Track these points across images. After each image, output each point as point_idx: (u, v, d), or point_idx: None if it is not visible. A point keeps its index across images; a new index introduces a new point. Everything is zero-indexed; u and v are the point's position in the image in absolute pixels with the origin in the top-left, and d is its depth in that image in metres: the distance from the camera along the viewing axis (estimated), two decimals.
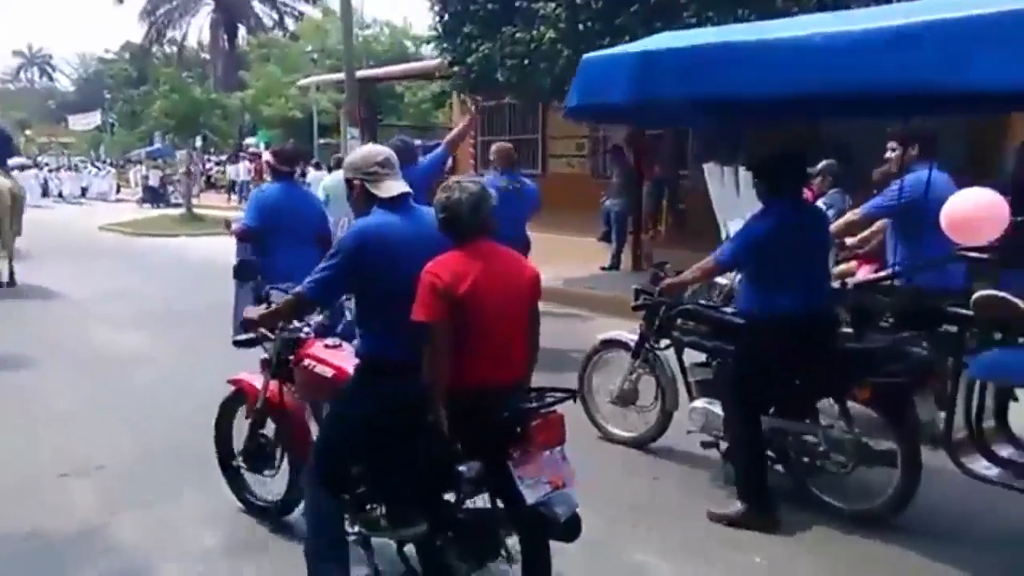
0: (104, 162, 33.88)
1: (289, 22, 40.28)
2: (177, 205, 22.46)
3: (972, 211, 3.31)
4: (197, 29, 41.52)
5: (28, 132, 43.53)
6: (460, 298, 2.32)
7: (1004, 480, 3.06)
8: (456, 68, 10.54)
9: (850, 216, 4.29)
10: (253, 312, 2.89)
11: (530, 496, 2.31)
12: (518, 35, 9.23)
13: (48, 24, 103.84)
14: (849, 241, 4.37)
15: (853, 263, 4.66)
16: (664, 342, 3.92)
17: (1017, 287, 3.01)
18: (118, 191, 29.33)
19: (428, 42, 12.34)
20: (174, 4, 40.11)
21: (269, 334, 3.06)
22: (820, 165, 5.35)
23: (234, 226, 4.73)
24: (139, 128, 36.25)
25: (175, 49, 43.34)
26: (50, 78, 65.45)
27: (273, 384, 3.10)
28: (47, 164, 34.18)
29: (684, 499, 3.56)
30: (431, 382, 2.36)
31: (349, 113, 12.38)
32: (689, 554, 3.11)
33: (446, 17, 10.56)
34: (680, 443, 3.94)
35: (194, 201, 20.82)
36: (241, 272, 3.61)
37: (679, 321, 3.80)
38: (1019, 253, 3.21)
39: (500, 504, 2.45)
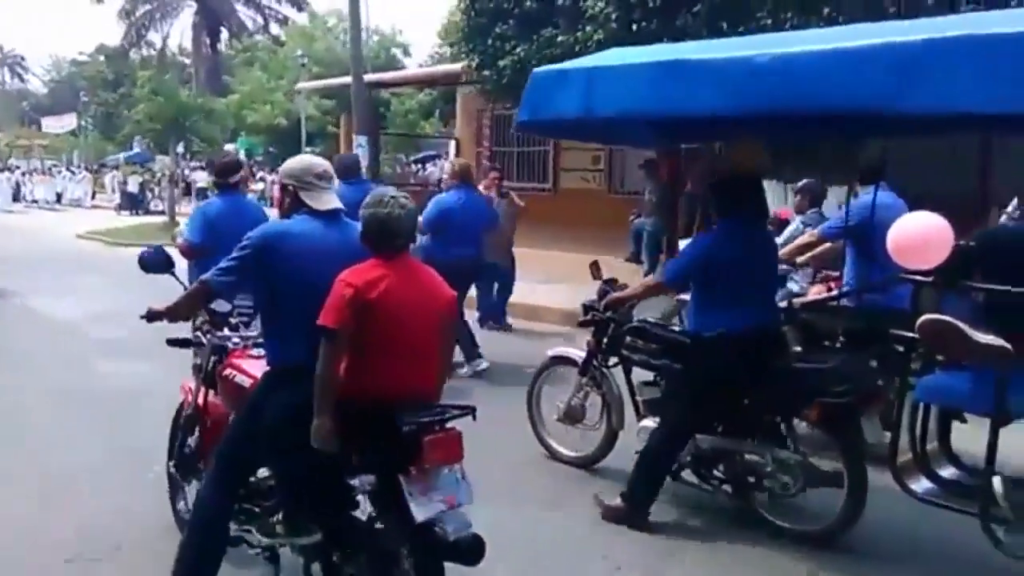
0: (79, 167, 33.54)
1: (273, 27, 40.28)
2: (158, 212, 22.17)
3: (917, 235, 3.36)
4: (178, 32, 41.33)
5: None
6: (369, 303, 2.36)
7: (947, 501, 3.11)
8: (485, 72, 9.92)
9: (805, 238, 4.40)
10: (161, 304, 2.85)
11: (419, 514, 2.29)
12: (559, 37, 8.62)
13: (19, 25, 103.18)
14: (799, 260, 4.45)
15: (818, 286, 4.69)
16: (612, 360, 3.94)
17: (957, 310, 3.07)
18: (93, 197, 29.06)
19: (452, 44, 11.87)
20: (154, 5, 39.96)
21: (203, 339, 3.08)
22: (800, 184, 5.37)
23: (178, 240, 4.70)
24: (120, 132, 36.05)
25: (154, 52, 43.20)
26: (21, 80, 64.81)
27: (202, 391, 3.12)
28: (18, 167, 33.77)
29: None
30: (321, 387, 2.37)
31: (359, 120, 12.06)
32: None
33: (473, 15, 9.95)
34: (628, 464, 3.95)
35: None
36: (151, 264, 3.35)
37: (628, 339, 3.82)
38: (958, 277, 3.26)
39: (395, 527, 2.43)
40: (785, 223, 5.41)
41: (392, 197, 2.51)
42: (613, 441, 4.00)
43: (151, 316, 2.83)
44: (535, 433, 4.26)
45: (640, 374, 3.89)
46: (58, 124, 41.16)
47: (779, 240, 4.89)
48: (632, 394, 3.88)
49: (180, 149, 27.85)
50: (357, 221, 2.58)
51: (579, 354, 4.05)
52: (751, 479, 3.49)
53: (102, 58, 47.37)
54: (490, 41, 9.63)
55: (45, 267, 11.33)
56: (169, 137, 25.37)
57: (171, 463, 3.33)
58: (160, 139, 27.27)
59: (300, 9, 38.57)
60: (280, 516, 2.72)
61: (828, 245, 4.31)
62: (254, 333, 3.10)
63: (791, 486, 3.39)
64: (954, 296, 3.26)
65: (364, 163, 11.09)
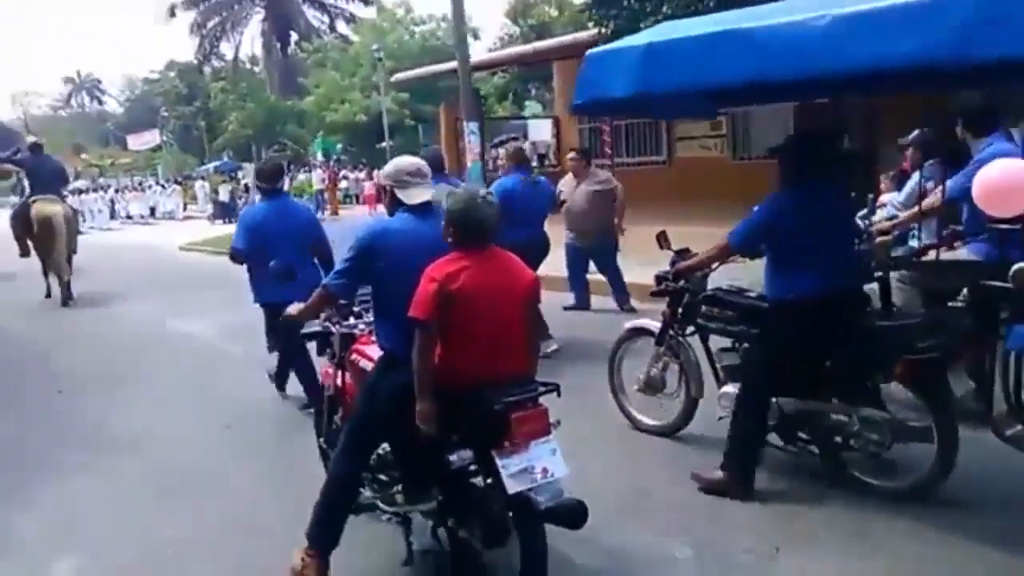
0: (168, 180, 35.20)
1: (340, 25, 41.38)
2: None
3: (1003, 182, 3.33)
4: (248, 40, 43.07)
5: (84, 155, 45.80)
6: (453, 294, 2.60)
7: None
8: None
9: (931, 200, 4.14)
10: (293, 308, 3.35)
11: (511, 486, 2.54)
12: None
13: (92, 49, 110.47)
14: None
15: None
16: (689, 329, 4.08)
17: None
18: (185, 208, 30.45)
19: (581, 11, 11.42)
20: (224, 16, 41.71)
21: (332, 329, 3.51)
22: (911, 136, 5.12)
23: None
24: (205, 143, 37.88)
25: (226, 62, 44.73)
26: (99, 102, 69.25)
27: (340, 375, 3.53)
28: (110, 185, 35.60)
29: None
30: (418, 375, 2.66)
31: (467, 107, 11.86)
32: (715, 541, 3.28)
33: None
34: (712, 431, 4.08)
35: None
36: (277, 274, 4.08)
37: (703, 307, 3.95)
38: None
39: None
40: (906, 176, 5.11)
41: (479, 195, 2.76)
42: (693, 409, 4.15)
43: (286, 320, 3.33)
44: (617, 404, 4.45)
45: (718, 341, 4.02)
46: (141, 141, 43.82)
47: (900, 198, 4.79)
48: (711, 361, 4.01)
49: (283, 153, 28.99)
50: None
51: (656, 325, 4.20)
52: (838, 439, 3.56)
53: (172, 74, 49.97)
54: (626, 3, 9.45)
55: (163, 283, 11.69)
56: (260, 142, 26.55)
57: (321, 439, 3.81)
58: (253, 144, 28.50)
59: (367, 3, 39.38)
60: (399, 487, 3.09)
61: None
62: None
63: (879, 444, 3.45)
64: None
65: (476, 150, 11.11)
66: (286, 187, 7.13)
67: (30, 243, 10.07)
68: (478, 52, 29.60)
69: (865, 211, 4.75)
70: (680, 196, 10.34)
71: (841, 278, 3.53)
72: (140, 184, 36.13)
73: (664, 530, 3.35)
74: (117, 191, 33.94)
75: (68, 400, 5.87)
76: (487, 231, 2.73)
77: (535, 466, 2.58)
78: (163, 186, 32.94)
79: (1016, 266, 3.14)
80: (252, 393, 5.58)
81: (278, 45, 40.47)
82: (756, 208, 3.69)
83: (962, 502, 3.34)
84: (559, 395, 2.73)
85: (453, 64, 13.36)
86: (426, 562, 3.09)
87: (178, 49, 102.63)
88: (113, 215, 29.65)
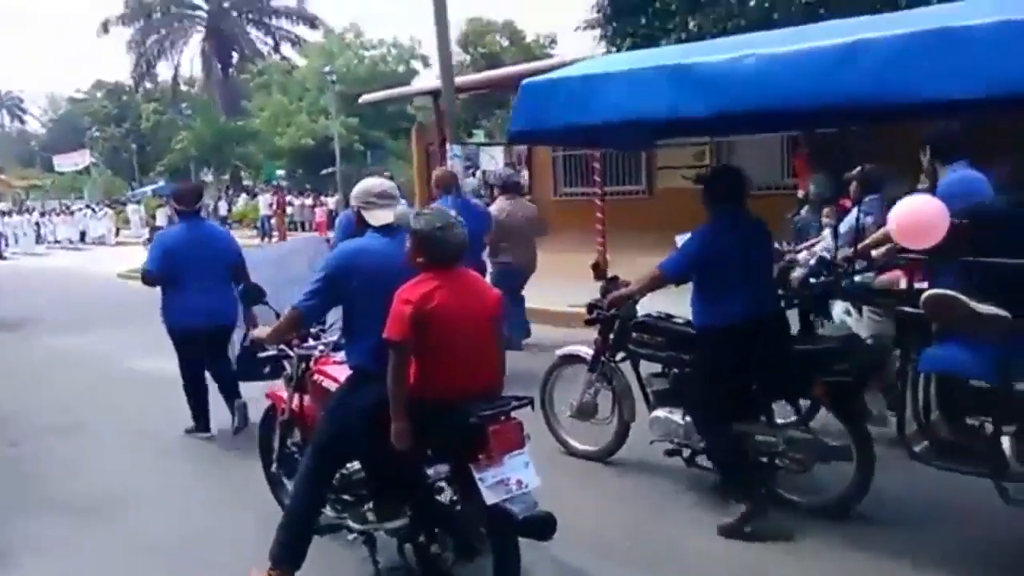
0: (99, 203, 34.36)
1: (285, 47, 41.24)
2: None
3: (919, 217, 3.62)
4: (187, 60, 42.48)
5: (2, 177, 44.31)
6: (427, 315, 2.73)
7: (955, 465, 3.37)
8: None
9: (880, 234, 4.30)
10: (260, 331, 3.46)
11: (490, 497, 2.67)
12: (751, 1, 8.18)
13: (11, 66, 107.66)
14: (875, 253, 4.40)
15: (897, 272, 4.73)
16: (620, 355, 4.28)
17: (950, 285, 3.34)
18: (117, 234, 29.75)
19: (594, 26, 10.93)
20: (163, 34, 41.06)
21: (289, 351, 3.59)
22: (853, 172, 5.36)
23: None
24: (160, 161, 36.55)
25: (159, 84, 43.85)
26: (21, 121, 67.27)
27: (296, 397, 3.62)
28: (34, 208, 34.68)
29: (655, 508, 3.91)
30: (393, 395, 2.77)
31: (452, 129, 11.73)
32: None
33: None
34: (643, 454, 4.28)
35: None
36: (247, 297, 4.12)
37: (634, 334, 4.16)
38: (951, 251, 3.52)
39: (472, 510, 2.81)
40: (845, 212, 5.39)
41: (454, 219, 2.89)
42: (626, 433, 4.34)
43: (256, 342, 3.43)
44: (551, 430, 4.60)
45: (647, 367, 4.23)
46: (70, 161, 42.47)
47: (842, 229, 5.01)
48: (642, 386, 4.21)
49: (220, 178, 28.23)
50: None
51: (586, 352, 4.39)
52: (764, 459, 3.78)
53: (100, 94, 49.28)
54: (644, 20, 9.22)
55: (103, 311, 11.14)
56: (208, 164, 25.86)
57: (272, 466, 3.89)
58: (201, 166, 27.71)
59: (314, 27, 39.42)
60: (370, 504, 3.17)
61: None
62: (333, 338, 3.63)
63: (803, 462, 3.68)
64: (943, 270, 3.53)
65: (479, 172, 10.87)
66: (225, 212, 7.15)
67: None
68: (428, 79, 29.97)
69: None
70: (663, 227, 10.30)
71: (764, 304, 3.78)
72: (67, 207, 35.17)
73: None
74: (43, 214, 33.02)
75: (24, 454, 5.32)
76: (456, 253, 2.86)
77: (510, 478, 2.72)
78: (93, 209, 32.13)
79: (926, 293, 3.42)
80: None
81: (219, 66, 40.00)
82: (687, 238, 3.93)
83: (878, 518, 3.59)
84: (532, 408, 2.92)
85: (429, 85, 13.33)
86: None
87: (106, 69, 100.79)
88: (39, 239, 28.90)
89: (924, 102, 2.95)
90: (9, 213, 29.66)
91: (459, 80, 15.40)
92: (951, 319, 3.35)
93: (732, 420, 3.81)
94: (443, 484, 2.98)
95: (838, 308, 4.30)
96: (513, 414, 2.81)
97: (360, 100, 19.72)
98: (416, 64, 32.59)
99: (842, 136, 4.96)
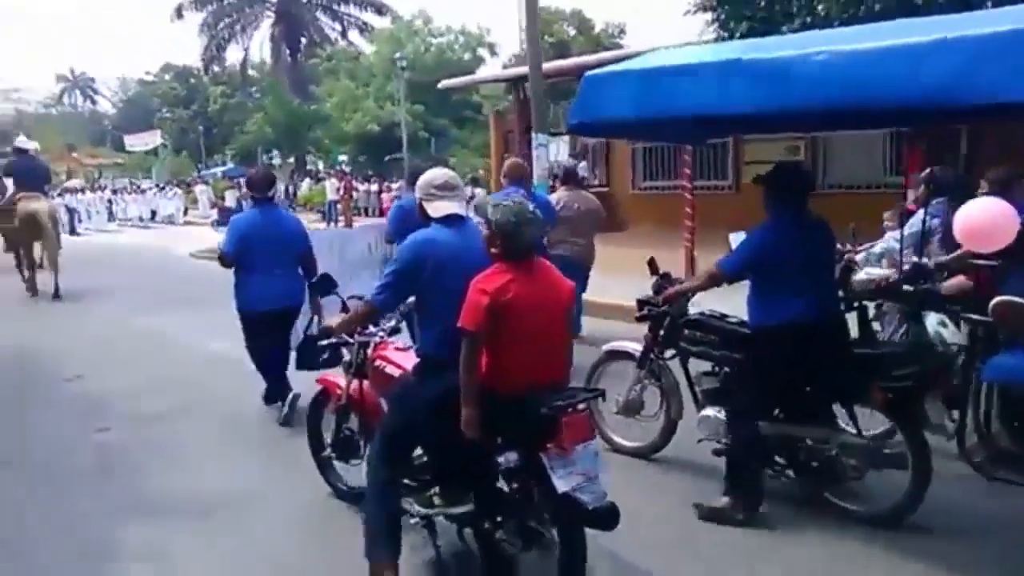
0: (167, 183, 35.44)
1: (352, 34, 42.00)
2: None
3: (985, 220, 3.57)
4: (256, 45, 43.67)
5: (74, 155, 45.82)
6: (503, 306, 2.80)
7: (1015, 477, 3.34)
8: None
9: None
10: (332, 321, 3.58)
11: (561, 485, 2.76)
12: None
13: (85, 49, 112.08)
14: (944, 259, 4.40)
15: (962, 277, 4.64)
16: (669, 352, 4.31)
17: (1019, 291, 3.29)
18: (186, 213, 30.54)
19: (706, 9, 10.29)
20: (235, 17, 42.07)
21: (348, 338, 3.70)
22: (922, 174, 5.31)
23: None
24: (226, 145, 37.82)
25: (229, 66, 45.00)
26: (92, 102, 69.91)
27: (354, 383, 3.75)
28: (106, 186, 36.22)
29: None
30: (464, 384, 2.85)
31: (539, 116, 11.15)
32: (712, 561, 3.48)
33: None
34: (689, 453, 4.32)
35: None
36: (321, 288, 4.28)
37: (685, 331, 4.19)
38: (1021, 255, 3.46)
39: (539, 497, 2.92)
40: (910, 215, 5.18)
41: (527, 209, 2.93)
42: (673, 430, 4.37)
43: (327, 331, 3.55)
44: (595, 426, 4.65)
45: (697, 365, 4.25)
46: (140, 141, 44.34)
47: (907, 232, 4.84)
48: (691, 384, 4.24)
49: (276, 161, 28.61)
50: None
51: (636, 348, 4.43)
52: (815, 463, 3.77)
53: (168, 76, 50.95)
54: (763, 3, 8.78)
55: (181, 293, 11.01)
56: (280, 148, 26.26)
57: (324, 451, 4.05)
58: (272, 149, 27.85)
59: (381, 14, 39.95)
60: (436, 489, 3.28)
61: None
62: (391, 323, 3.78)
63: (855, 469, 3.68)
64: (1017, 277, 3.46)
65: (545, 166, 10.65)
66: (291, 196, 7.46)
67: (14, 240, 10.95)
68: (494, 68, 30.14)
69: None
70: (748, 223, 9.95)
71: (822, 305, 3.76)
72: (138, 187, 36.53)
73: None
74: (115, 192, 34.31)
75: (116, 441, 5.16)
76: (533, 245, 2.94)
77: (580, 468, 2.81)
78: (162, 188, 33.09)
79: (995, 300, 3.37)
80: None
81: (287, 51, 40.96)
82: (746, 237, 3.94)
83: (933, 529, 3.56)
84: (604, 399, 3.09)
85: (523, 69, 13.25)
86: (456, 564, 3.33)
87: (175, 52, 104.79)
88: (111, 217, 30.01)
89: (999, 104, 2.92)
90: (82, 190, 30.71)
91: (549, 66, 14.82)
92: (1019, 327, 3.31)
93: (782, 422, 3.83)
94: (511, 472, 3.02)
95: (932, 319, 4.15)
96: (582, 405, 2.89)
97: (440, 85, 19.80)
98: (483, 52, 32.81)
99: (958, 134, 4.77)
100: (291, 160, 35.79)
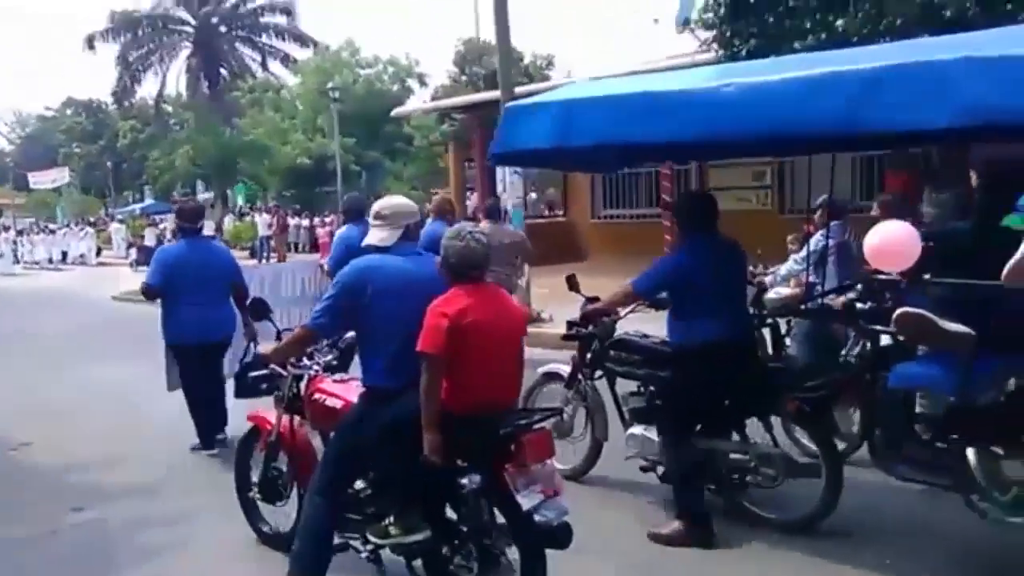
0: (76, 222, 34.49)
1: (273, 65, 41.74)
2: None
3: (894, 242, 3.93)
4: (174, 77, 42.66)
5: None
6: (462, 329, 2.92)
7: (924, 478, 3.66)
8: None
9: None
10: (266, 348, 3.62)
11: (525, 503, 2.89)
12: None
13: None
14: None
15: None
16: (597, 373, 4.56)
17: (916, 305, 3.64)
18: (99, 254, 29.83)
19: (709, 26, 9.76)
20: (150, 48, 41.06)
21: (282, 371, 3.73)
22: (818, 200, 5.80)
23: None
24: (160, 176, 36.54)
25: (139, 100, 43.97)
26: None
27: (285, 419, 3.76)
28: (9, 227, 34.93)
29: (631, 525, 4.13)
30: (426, 408, 2.94)
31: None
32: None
33: None
34: (619, 472, 4.53)
35: None
36: (254, 311, 4.30)
37: (611, 352, 4.44)
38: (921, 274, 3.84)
39: (498, 517, 3.04)
40: (808, 237, 5.69)
41: (469, 232, 3.12)
42: (598, 452, 4.59)
43: (262, 360, 3.60)
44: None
45: (624, 385, 4.49)
46: (47, 178, 42.42)
47: (802, 254, 5.34)
48: (617, 404, 4.48)
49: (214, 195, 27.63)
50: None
51: (566, 369, 4.66)
52: (735, 476, 4.04)
53: (69, 111, 49.65)
54: (772, 19, 8.42)
55: (118, 340, 10.54)
56: (210, 180, 25.41)
57: (250, 491, 3.99)
58: (199, 182, 26.91)
59: (304, 44, 39.70)
60: (391, 519, 3.28)
61: None
62: (328, 357, 3.78)
63: (773, 479, 3.96)
64: (914, 292, 3.84)
65: (518, 195, 10.76)
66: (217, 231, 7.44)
67: None
68: (423, 98, 30.41)
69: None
70: None
71: (737, 324, 4.07)
72: (46, 226, 35.49)
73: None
74: (20, 232, 33.22)
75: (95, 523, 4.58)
76: (479, 264, 3.08)
77: (541, 485, 2.96)
78: (72, 228, 32.20)
79: (898, 311, 3.71)
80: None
81: (206, 83, 40.43)
82: (660, 259, 4.23)
83: (847, 533, 3.85)
84: (562, 419, 3.27)
85: (492, 94, 13.05)
86: None
87: (73, 85, 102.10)
88: (16, 259, 29.03)
89: (888, 132, 3.29)
90: None
91: (522, 90, 15.25)
92: (921, 336, 3.65)
93: (704, 437, 4.09)
94: (474, 494, 3.03)
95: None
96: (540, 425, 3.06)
97: (392, 113, 19.44)
98: (412, 83, 33.08)
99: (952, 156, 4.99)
100: (210, 195, 35.27)
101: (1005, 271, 3.19)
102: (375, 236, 3.30)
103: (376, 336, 3.19)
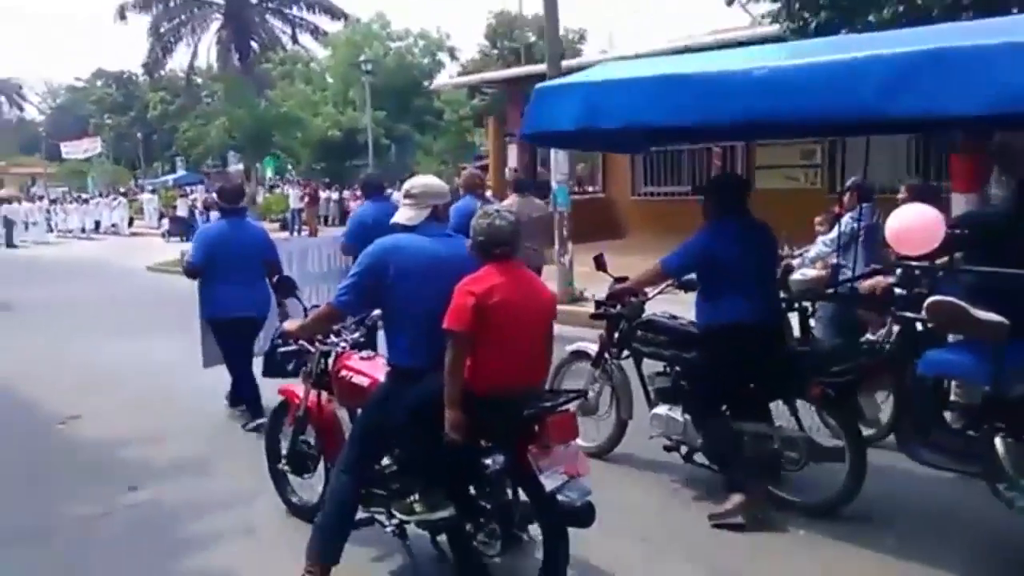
0: (107, 192, 35.01)
1: (304, 38, 41.82)
2: None
3: (915, 225, 3.94)
4: (204, 50, 42.92)
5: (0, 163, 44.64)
6: (490, 308, 2.97)
7: (951, 465, 3.70)
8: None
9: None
10: (291, 324, 3.71)
11: (548, 484, 2.96)
12: None
13: (8, 54, 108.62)
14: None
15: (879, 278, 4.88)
16: (624, 353, 4.63)
17: (946, 292, 3.66)
18: (131, 224, 30.25)
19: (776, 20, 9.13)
20: (183, 19, 41.34)
21: (310, 347, 3.83)
22: (848, 182, 5.80)
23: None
24: (194, 148, 37.46)
25: (169, 72, 44.36)
26: (20, 108, 68.31)
27: (313, 394, 3.86)
28: (43, 196, 35.74)
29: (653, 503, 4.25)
30: (450, 385, 2.99)
31: None
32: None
33: None
34: (643, 451, 4.63)
35: None
36: (281, 289, 4.43)
37: (638, 332, 4.52)
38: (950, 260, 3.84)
39: (522, 495, 3.11)
40: (837, 219, 5.68)
41: (497, 210, 3.20)
42: (623, 431, 4.69)
43: (285, 335, 3.70)
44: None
45: (651, 366, 4.57)
46: (79, 148, 43.07)
47: (831, 236, 5.41)
48: (643, 384, 4.57)
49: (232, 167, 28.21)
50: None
51: (595, 348, 4.73)
52: (759, 458, 4.10)
53: (100, 82, 50.31)
54: None
55: (156, 313, 10.36)
56: (246, 152, 25.63)
57: (280, 463, 4.09)
58: (234, 154, 27.17)
59: (334, 17, 39.61)
60: (416, 496, 3.35)
61: None
62: (355, 335, 3.87)
63: (796, 462, 4.03)
64: (944, 279, 3.85)
65: (564, 171, 10.54)
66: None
67: None
68: (452, 72, 30.38)
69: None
70: None
71: (766, 306, 4.12)
72: (79, 196, 35.95)
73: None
74: (53, 202, 33.74)
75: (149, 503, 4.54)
76: (507, 242, 3.13)
77: (564, 465, 3.03)
78: (105, 198, 32.54)
79: (929, 299, 3.73)
80: None
81: (236, 55, 40.48)
82: (689, 239, 4.28)
83: (870, 518, 3.91)
84: (587, 398, 3.25)
85: (535, 68, 13.06)
86: (429, 571, 3.47)
87: (104, 58, 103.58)
88: (49, 228, 29.42)
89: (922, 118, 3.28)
90: (11, 201, 28.90)
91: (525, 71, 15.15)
92: (952, 324, 3.67)
93: (730, 418, 4.15)
94: (497, 475, 3.12)
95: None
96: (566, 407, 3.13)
97: (432, 87, 19.27)
98: (443, 56, 33.03)
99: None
100: (240, 166, 35.60)
101: None
102: (403, 215, 3.35)
103: (399, 315, 3.25)
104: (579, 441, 4.73)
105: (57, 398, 6.62)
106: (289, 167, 31.72)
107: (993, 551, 3.70)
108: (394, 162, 29.20)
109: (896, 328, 4.26)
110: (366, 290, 3.25)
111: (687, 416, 4.29)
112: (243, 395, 5.72)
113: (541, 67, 12.15)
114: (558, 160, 10.85)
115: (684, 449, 4.35)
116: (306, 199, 24.37)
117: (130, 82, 49.57)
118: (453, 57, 32.56)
